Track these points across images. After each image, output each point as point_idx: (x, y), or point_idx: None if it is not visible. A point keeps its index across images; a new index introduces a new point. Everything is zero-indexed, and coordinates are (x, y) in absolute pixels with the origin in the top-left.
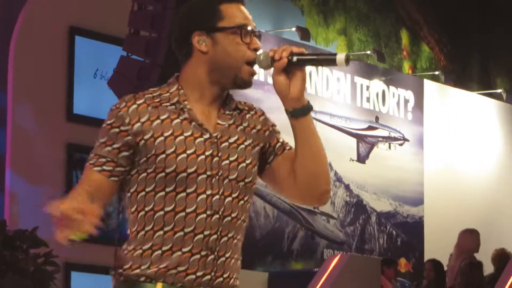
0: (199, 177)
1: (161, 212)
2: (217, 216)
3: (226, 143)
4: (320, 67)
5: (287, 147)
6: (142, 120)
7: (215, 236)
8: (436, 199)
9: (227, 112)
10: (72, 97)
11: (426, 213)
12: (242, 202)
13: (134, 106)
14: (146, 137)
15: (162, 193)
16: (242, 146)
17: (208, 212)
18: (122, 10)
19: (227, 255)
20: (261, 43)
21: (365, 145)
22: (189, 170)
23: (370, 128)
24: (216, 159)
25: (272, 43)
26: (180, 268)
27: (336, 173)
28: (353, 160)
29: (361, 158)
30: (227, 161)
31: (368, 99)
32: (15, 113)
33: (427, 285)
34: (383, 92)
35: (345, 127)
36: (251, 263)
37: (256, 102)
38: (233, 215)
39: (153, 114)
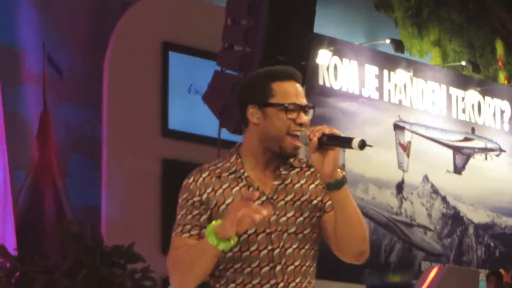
0: (259, 236)
1: (231, 269)
2: (279, 266)
3: (283, 202)
4: None
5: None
6: (208, 191)
7: (282, 284)
8: None
9: (283, 172)
10: (167, 112)
11: None
12: (303, 251)
13: (201, 179)
14: (211, 206)
15: (230, 254)
16: (299, 202)
17: (271, 265)
18: (216, 25)
19: None
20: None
21: (462, 156)
22: (249, 232)
23: (466, 139)
24: (274, 217)
25: (366, 56)
26: None
27: (432, 185)
28: (449, 172)
29: (458, 170)
30: (285, 218)
31: (463, 110)
32: (110, 129)
33: None
34: (479, 103)
35: (441, 139)
36: (349, 277)
37: (351, 114)
38: (296, 263)
39: (216, 184)
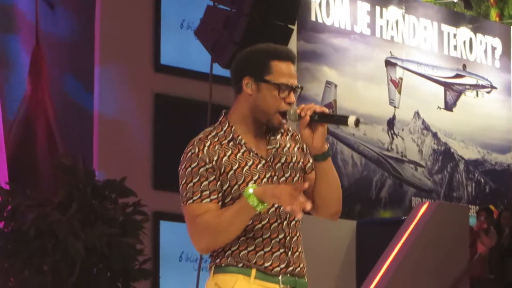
0: None
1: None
2: (286, 222)
3: (279, 164)
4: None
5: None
6: (215, 158)
7: (289, 238)
8: None
9: (272, 138)
10: (159, 47)
11: None
12: None
13: (206, 148)
14: (221, 172)
15: None
16: (291, 164)
17: (279, 221)
18: None
19: (298, 250)
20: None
21: (453, 93)
22: None
23: (457, 76)
24: (275, 178)
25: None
26: (267, 264)
27: (423, 122)
28: (440, 108)
29: (449, 106)
30: (284, 178)
31: (455, 47)
32: (102, 65)
33: (509, 233)
34: (470, 40)
35: (432, 75)
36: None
37: (343, 50)
38: (296, 218)
39: (220, 152)
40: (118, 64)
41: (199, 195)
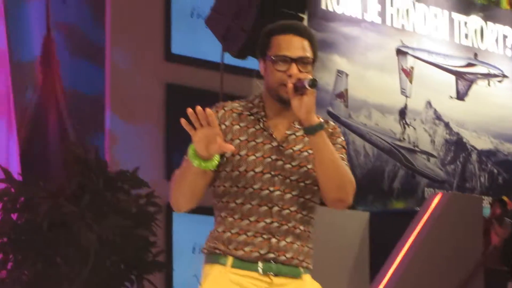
0: (264, 176)
1: (232, 204)
2: (277, 208)
3: (291, 150)
4: None
5: None
6: (226, 123)
7: (276, 224)
8: None
9: (297, 125)
10: (170, 36)
11: None
12: (302, 199)
13: (222, 111)
14: (226, 139)
15: (235, 188)
16: (305, 153)
17: (269, 205)
18: None
19: (287, 240)
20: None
21: (464, 82)
22: (257, 169)
23: (469, 65)
24: (280, 162)
25: None
26: (246, 248)
27: (435, 111)
28: (452, 98)
29: (460, 96)
30: (289, 165)
31: (466, 36)
32: (113, 54)
33: None
34: (481, 28)
35: (443, 64)
36: (352, 203)
37: (354, 39)
38: (292, 209)
39: (235, 120)
40: (129, 53)
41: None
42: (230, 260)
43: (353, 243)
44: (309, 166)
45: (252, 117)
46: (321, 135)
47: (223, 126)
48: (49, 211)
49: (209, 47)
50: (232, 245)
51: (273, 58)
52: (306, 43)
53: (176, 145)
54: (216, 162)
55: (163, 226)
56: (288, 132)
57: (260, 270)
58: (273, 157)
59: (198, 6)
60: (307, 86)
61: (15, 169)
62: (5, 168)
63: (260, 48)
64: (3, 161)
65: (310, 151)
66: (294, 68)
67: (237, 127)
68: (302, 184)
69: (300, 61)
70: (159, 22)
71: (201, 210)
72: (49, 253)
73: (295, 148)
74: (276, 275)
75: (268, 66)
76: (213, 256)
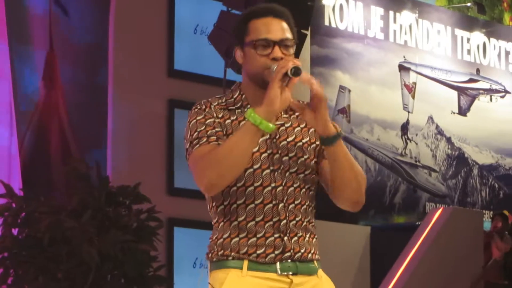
0: (264, 172)
1: (235, 205)
2: (281, 204)
3: (285, 142)
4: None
5: None
6: (219, 116)
7: (284, 221)
8: None
9: (284, 116)
10: (173, 52)
11: None
12: (304, 190)
13: (212, 106)
14: (224, 132)
15: (234, 188)
16: (300, 143)
17: (274, 202)
18: None
19: (298, 235)
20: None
21: (466, 98)
22: (255, 166)
23: (471, 80)
24: (276, 156)
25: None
26: (260, 251)
27: (437, 126)
28: (454, 113)
29: (462, 111)
30: (287, 157)
31: (468, 52)
32: (116, 69)
33: None
34: (484, 44)
35: (446, 80)
36: (354, 218)
37: (357, 55)
38: (297, 202)
39: (226, 114)
40: (132, 69)
41: (206, 139)
42: (245, 263)
43: (354, 257)
44: (306, 157)
45: (239, 110)
46: (339, 144)
47: (217, 120)
48: (50, 226)
49: (212, 63)
50: (243, 250)
51: (254, 42)
52: (285, 25)
53: (178, 160)
54: (275, 127)
55: (164, 240)
56: (278, 123)
57: (279, 271)
58: (269, 151)
59: (201, 23)
60: (289, 74)
61: (17, 184)
62: (7, 183)
63: (237, 35)
64: (4, 176)
65: (304, 141)
66: (277, 51)
67: (229, 121)
68: (302, 175)
69: (282, 43)
70: (162, 39)
71: (202, 225)
72: (50, 268)
73: (288, 139)
74: (294, 273)
75: (248, 53)
76: (224, 262)
